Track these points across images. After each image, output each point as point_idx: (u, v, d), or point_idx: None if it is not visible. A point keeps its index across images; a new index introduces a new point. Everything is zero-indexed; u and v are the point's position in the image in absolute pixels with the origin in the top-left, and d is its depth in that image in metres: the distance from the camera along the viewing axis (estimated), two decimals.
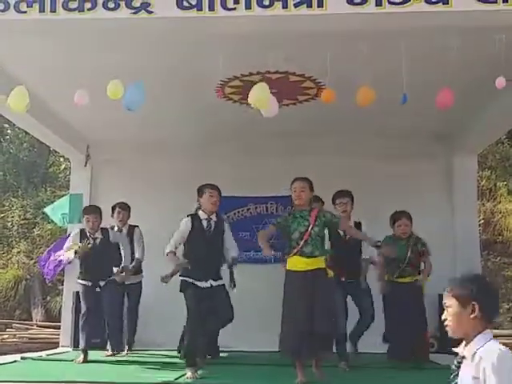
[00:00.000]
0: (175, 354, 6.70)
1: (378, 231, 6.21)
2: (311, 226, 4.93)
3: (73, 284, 8.71)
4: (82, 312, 6.61)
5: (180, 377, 4.89)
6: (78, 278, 6.74)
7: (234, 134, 8.30)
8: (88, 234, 6.68)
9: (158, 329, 7.67)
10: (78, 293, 8.33)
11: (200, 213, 5.39)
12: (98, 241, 6.70)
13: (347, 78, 5.39)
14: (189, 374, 5.07)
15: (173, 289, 7.14)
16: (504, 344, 8.59)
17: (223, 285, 5.34)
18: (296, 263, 4.93)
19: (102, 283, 6.63)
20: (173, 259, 5.36)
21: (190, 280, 5.24)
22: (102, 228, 6.82)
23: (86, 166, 9.05)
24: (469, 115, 7.34)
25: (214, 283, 5.25)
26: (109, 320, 6.73)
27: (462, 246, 8.02)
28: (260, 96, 5.28)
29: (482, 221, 12.72)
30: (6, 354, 8.90)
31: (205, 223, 5.33)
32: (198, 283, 5.22)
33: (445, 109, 5.47)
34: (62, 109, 7.52)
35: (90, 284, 6.62)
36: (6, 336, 12.90)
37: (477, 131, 7.85)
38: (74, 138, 8.62)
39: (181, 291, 5.35)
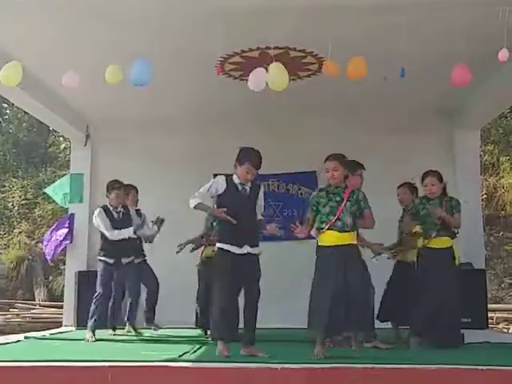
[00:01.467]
0: (184, 332, 6.76)
1: (380, 203, 6.12)
2: (344, 202, 4.89)
3: (75, 263, 8.76)
4: (100, 291, 6.46)
5: (184, 354, 4.88)
6: (100, 255, 6.54)
7: (235, 112, 8.24)
8: (111, 209, 6.57)
9: (168, 307, 7.66)
10: (80, 272, 8.39)
11: (234, 177, 5.16)
12: (121, 215, 6.61)
13: (348, 53, 5.31)
14: (220, 347, 4.84)
15: (178, 266, 7.24)
16: (506, 319, 8.54)
17: (256, 255, 5.07)
18: (328, 238, 4.88)
19: (124, 261, 6.54)
20: (205, 207, 5.10)
21: (226, 247, 4.96)
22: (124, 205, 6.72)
23: (85, 145, 9.02)
24: (471, 90, 7.24)
25: (250, 250, 4.99)
26: (133, 299, 6.70)
27: (464, 221, 7.97)
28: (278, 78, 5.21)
29: (485, 195, 12.69)
30: (9, 333, 8.96)
31: (239, 186, 5.11)
32: (234, 249, 4.95)
33: (462, 85, 5.37)
34: (60, 88, 7.40)
35: (112, 262, 6.47)
36: (10, 316, 12.97)
37: (480, 106, 7.80)
38: (73, 117, 8.57)
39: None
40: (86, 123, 8.96)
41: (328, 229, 4.87)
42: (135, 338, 6.65)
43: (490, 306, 8.76)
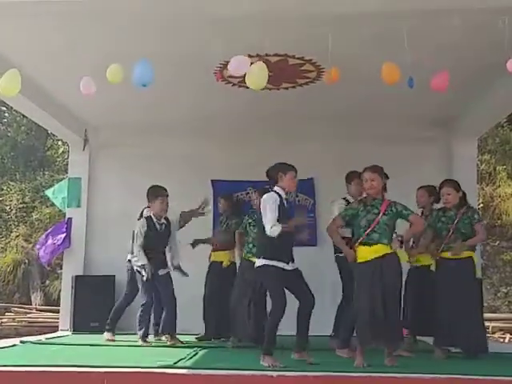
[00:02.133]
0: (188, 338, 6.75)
1: None
2: (381, 215, 4.93)
3: (72, 268, 8.75)
4: (147, 299, 6.48)
5: (179, 361, 4.88)
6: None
7: (234, 118, 8.26)
8: (155, 219, 6.56)
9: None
10: (77, 277, 8.38)
11: (278, 189, 5.12)
12: (163, 226, 6.64)
13: (346, 61, 5.33)
14: (270, 362, 4.66)
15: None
16: (501, 328, 8.56)
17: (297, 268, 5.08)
18: (363, 254, 4.94)
19: (161, 272, 6.50)
20: (284, 227, 4.91)
21: (273, 263, 4.90)
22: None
23: (84, 149, 9.00)
24: (469, 99, 7.30)
25: (291, 267, 5.01)
26: (169, 307, 6.56)
27: None
28: (257, 77, 5.20)
29: (481, 205, 12.71)
30: (5, 337, 8.94)
31: (285, 202, 5.10)
32: (283, 265, 4.94)
33: (440, 91, 5.39)
34: (59, 92, 7.46)
35: (152, 271, 6.42)
36: (6, 320, 12.95)
37: (477, 115, 7.82)
38: (71, 121, 8.56)
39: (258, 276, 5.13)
40: (84, 127, 8.95)
41: (361, 243, 4.95)
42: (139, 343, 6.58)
43: (485, 315, 8.75)
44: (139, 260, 6.39)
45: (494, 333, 10.97)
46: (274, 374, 4.16)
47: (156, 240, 6.54)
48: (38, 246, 9.16)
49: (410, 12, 5.15)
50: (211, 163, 8.73)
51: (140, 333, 6.46)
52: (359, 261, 4.98)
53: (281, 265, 4.91)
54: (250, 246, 6.53)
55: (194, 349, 5.89)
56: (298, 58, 6.43)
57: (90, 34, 5.64)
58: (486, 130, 10.10)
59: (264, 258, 4.95)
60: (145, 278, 6.36)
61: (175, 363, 4.71)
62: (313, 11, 5.19)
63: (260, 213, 6.31)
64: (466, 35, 5.51)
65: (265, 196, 5.09)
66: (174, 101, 7.69)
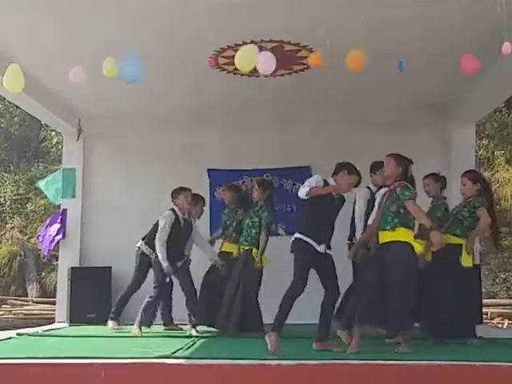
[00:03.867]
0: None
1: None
2: (383, 202, 5.11)
3: (68, 259, 8.71)
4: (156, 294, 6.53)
5: (177, 351, 4.85)
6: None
7: (229, 106, 8.21)
8: (181, 214, 6.60)
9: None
10: (73, 268, 8.34)
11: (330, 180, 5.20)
12: (186, 222, 6.67)
13: (343, 47, 5.26)
14: (273, 343, 4.68)
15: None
16: (500, 314, 8.56)
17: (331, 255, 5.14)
18: (377, 238, 5.14)
19: (178, 264, 6.55)
20: (320, 189, 5.05)
21: (308, 240, 5.00)
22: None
23: (78, 140, 8.94)
24: (466, 84, 7.24)
25: (325, 250, 5.06)
26: (191, 297, 6.57)
27: None
28: (246, 59, 5.14)
29: None
30: (1, 330, 8.90)
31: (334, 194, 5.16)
32: (315, 245, 5.01)
33: (472, 73, 5.32)
34: (52, 82, 7.39)
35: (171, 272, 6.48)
36: (2, 312, 12.94)
37: (474, 100, 7.77)
38: (65, 112, 8.49)
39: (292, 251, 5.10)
40: (78, 118, 8.88)
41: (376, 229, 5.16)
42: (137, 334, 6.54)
43: (484, 301, 8.77)
44: (161, 259, 6.40)
45: (492, 318, 11.00)
46: (273, 362, 4.13)
47: (178, 235, 6.55)
48: (40, 239, 9.11)
49: None
50: (207, 152, 8.69)
51: (137, 321, 6.46)
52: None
53: (313, 243, 4.97)
54: (245, 235, 6.57)
55: (192, 338, 5.87)
56: (293, 45, 6.36)
57: (84, 23, 5.59)
58: (483, 115, 10.08)
59: (299, 232, 5.05)
60: (167, 279, 6.55)
61: (173, 353, 4.68)
62: None
63: (257, 203, 6.34)
64: (463, 20, 5.46)
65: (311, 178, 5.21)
66: (170, 90, 7.63)
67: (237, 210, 7.10)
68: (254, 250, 6.45)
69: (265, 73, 5.31)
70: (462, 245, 5.51)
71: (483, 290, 8.96)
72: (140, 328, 6.45)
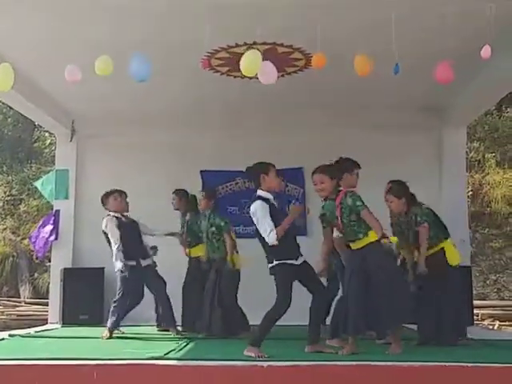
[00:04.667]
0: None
1: (368, 203, 6.17)
2: (339, 218, 4.98)
3: (60, 260, 8.69)
4: (122, 292, 6.45)
5: (169, 352, 4.86)
6: (122, 259, 6.44)
7: (222, 108, 8.22)
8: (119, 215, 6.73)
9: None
10: (66, 269, 8.34)
11: (263, 193, 5.03)
12: (128, 221, 6.74)
13: (336, 49, 5.30)
14: (255, 352, 4.68)
15: (171, 266, 7.21)
16: (491, 315, 8.61)
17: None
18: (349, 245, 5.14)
19: (144, 263, 6.59)
20: (283, 227, 4.88)
21: (286, 261, 4.93)
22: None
23: (71, 140, 8.93)
24: (458, 86, 7.26)
25: (301, 260, 5.03)
26: (160, 298, 6.66)
27: (450, 218, 7.99)
28: (251, 63, 5.18)
29: (471, 192, 12.76)
30: None
31: (275, 202, 5.06)
32: (294, 262, 4.98)
33: (446, 83, 5.37)
34: (45, 83, 7.38)
35: (134, 264, 6.51)
36: None
37: (466, 102, 7.82)
38: (58, 112, 8.49)
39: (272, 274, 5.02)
40: (71, 118, 8.88)
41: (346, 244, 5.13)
42: (127, 335, 6.55)
43: (475, 302, 8.81)
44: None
45: (483, 320, 11.04)
46: (265, 364, 4.15)
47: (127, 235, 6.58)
48: (32, 240, 9.09)
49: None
50: (200, 153, 8.69)
51: (108, 323, 6.44)
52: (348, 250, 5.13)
53: (291, 261, 4.93)
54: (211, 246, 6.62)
55: (184, 340, 5.87)
56: (286, 47, 6.38)
57: (76, 23, 5.57)
58: (475, 118, 10.14)
59: (275, 259, 4.93)
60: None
61: (165, 354, 4.69)
62: None
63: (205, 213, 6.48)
64: (454, 22, 5.49)
65: (252, 208, 4.98)
66: (163, 90, 7.63)
67: (185, 214, 7.20)
68: (225, 256, 6.48)
69: (267, 83, 5.31)
70: (443, 248, 5.54)
71: (474, 291, 9.00)
72: (111, 330, 6.40)
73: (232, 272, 6.45)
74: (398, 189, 5.65)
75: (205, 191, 6.92)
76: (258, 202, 4.93)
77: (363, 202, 5.00)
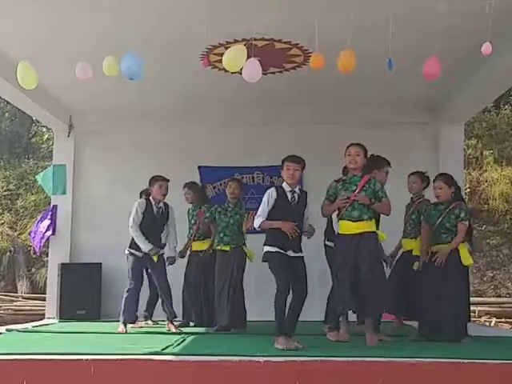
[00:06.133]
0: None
1: None
2: (357, 191, 5.13)
3: (58, 255, 8.70)
4: (131, 284, 6.55)
5: (167, 347, 4.86)
6: (131, 248, 6.59)
7: (220, 104, 8.22)
8: (153, 203, 6.63)
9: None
10: (63, 264, 8.34)
11: (284, 184, 5.24)
12: (160, 211, 6.67)
13: (333, 45, 5.29)
14: (281, 341, 4.85)
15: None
16: (488, 312, 8.69)
17: (302, 257, 5.18)
18: (344, 227, 5.19)
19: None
20: (270, 224, 5.09)
21: (275, 249, 5.07)
22: (164, 202, 6.75)
23: (68, 136, 8.94)
24: (456, 83, 7.29)
25: (294, 254, 5.11)
26: (164, 291, 6.63)
27: None
28: (234, 59, 5.21)
29: (468, 189, 12.76)
30: None
31: (289, 195, 5.17)
32: (283, 252, 5.08)
33: (432, 79, 5.40)
34: (43, 78, 7.32)
35: (141, 255, 6.55)
36: None
37: (464, 99, 7.82)
38: (56, 107, 8.49)
39: (264, 261, 5.16)
40: (69, 114, 8.87)
41: (342, 218, 5.17)
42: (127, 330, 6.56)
43: (472, 299, 8.82)
44: (142, 243, 6.44)
45: (480, 316, 11.06)
46: (262, 359, 4.15)
47: (151, 223, 6.56)
48: (32, 235, 9.10)
49: None
50: (198, 149, 8.69)
51: (122, 318, 6.50)
52: (340, 232, 5.22)
53: (280, 251, 5.04)
54: (221, 235, 6.61)
55: (182, 335, 5.88)
56: (284, 43, 6.38)
57: (75, 19, 5.56)
58: (472, 115, 10.14)
59: (266, 245, 5.13)
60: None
61: (163, 349, 4.69)
62: None
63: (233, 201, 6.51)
64: (452, 20, 5.49)
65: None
66: (160, 86, 7.63)
67: (200, 207, 7.16)
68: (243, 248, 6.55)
69: (250, 80, 5.33)
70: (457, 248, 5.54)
71: (471, 288, 9.02)
72: (125, 325, 6.48)
73: (243, 266, 6.53)
74: (450, 177, 5.73)
75: (236, 180, 6.93)
76: (271, 189, 5.23)
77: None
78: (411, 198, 6.36)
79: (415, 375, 4.07)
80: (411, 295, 5.84)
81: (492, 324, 10.76)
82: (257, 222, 5.11)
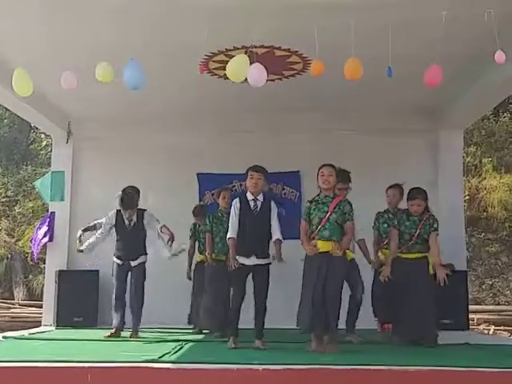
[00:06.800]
0: (168, 331, 6.94)
1: (366, 206, 6.25)
2: (329, 213, 5.25)
3: (55, 262, 8.66)
4: (114, 291, 6.68)
5: (164, 355, 4.84)
6: (114, 256, 6.78)
7: (219, 110, 8.22)
8: (123, 214, 6.72)
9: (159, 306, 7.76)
10: (60, 271, 8.32)
11: (248, 194, 5.58)
12: (132, 223, 6.76)
13: (333, 53, 5.30)
14: (230, 342, 5.36)
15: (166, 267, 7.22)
16: (486, 320, 8.79)
17: (267, 264, 5.45)
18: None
19: (133, 263, 6.68)
20: (231, 246, 5.51)
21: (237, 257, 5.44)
22: (137, 210, 6.80)
23: (67, 142, 8.93)
24: (456, 90, 7.30)
25: (258, 261, 5.40)
26: (136, 300, 6.69)
27: (447, 222, 7.99)
28: (237, 69, 5.24)
29: (467, 197, 12.77)
30: None
31: (252, 203, 5.51)
32: (243, 261, 5.40)
33: (433, 86, 5.40)
34: (41, 84, 7.34)
35: (121, 263, 6.69)
36: None
37: (463, 106, 7.83)
38: (54, 114, 8.48)
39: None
40: (67, 120, 8.86)
41: (314, 238, 5.29)
42: (121, 338, 6.55)
43: (471, 307, 8.81)
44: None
45: (478, 324, 11.04)
46: (260, 367, 4.13)
47: (124, 233, 6.72)
48: (32, 242, 9.09)
49: (397, 3, 5.13)
50: (197, 156, 8.68)
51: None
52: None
53: (240, 259, 5.40)
54: (220, 245, 6.68)
55: (180, 343, 5.85)
56: (284, 50, 6.39)
57: (74, 26, 5.56)
58: (472, 122, 10.16)
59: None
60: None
61: (160, 357, 4.66)
62: (299, 2, 5.16)
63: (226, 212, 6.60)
64: (452, 27, 5.49)
65: None
66: (159, 93, 7.62)
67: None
68: None
69: (255, 85, 5.37)
70: (426, 256, 5.86)
71: (470, 296, 9.00)
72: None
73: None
74: (425, 192, 5.98)
75: (229, 190, 7.20)
76: (233, 201, 5.62)
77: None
78: (388, 210, 6.50)
79: (414, 383, 4.05)
80: (391, 303, 6.05)
81: (491, 332, 10.74)
82: (228, 235, 5.52)
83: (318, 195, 5.42)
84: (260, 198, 5.52)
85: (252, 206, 5.48)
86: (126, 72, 5.25)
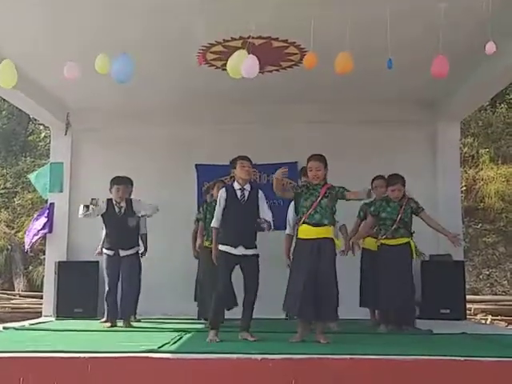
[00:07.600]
0: (168, 322, 6.99)
1: None
2: (320, 197, 5.22)
3: (55, 253, 8.69)
4: (106, 282, 6.76)
5: (164, 345, 4.87)
6: (103, 247, 6.89)
7: (218, 102, 8.21)
8: (114, 203, 6.77)
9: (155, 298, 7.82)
10: (60, 262, 8.34)
11: (234, 183, 5.53)
12: (122, 210, 6.78)
13: (331, 44, 5.30)
14: (211, 336, 5.29)
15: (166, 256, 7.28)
16: (483, 310, 8.92)
17: (255, 255, 5.42)
18: (305, 231, 5.24)
19: (122, 253, 6.71)
20: (213, 235, 5.58)
21: (223, 248, 5.40)
22: (126, 198, 6.87)
23: (66, 134, 8.93)
24: (453, 81, 7.28)
25: (245, 251, 5.35)
26: (128, 290, 6.75)
27: (444, 213, 8.07)
28: (237, 64, 5.26)
29: (464, 188, 12.79)
30: None
31: (239, 193, 5.47)
32: (230, 250, 5.36)
33: (440, 77, 5.40)
34: (40, 76, 7.37)
35: (112, 254, 6.72)
36: None
37: (461, 97, 7.84)
38: (53, 105, 8.47)
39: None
40: (66, 112, 8.86)
41: (304, 222, 5.23)
42: (122, 328, 6.60)
43: (468, 297, 8.85)
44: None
45: (475, 314, 11.08)
46: (259, 357, 4.16)
47: (115, 222, 6.77)
48: (27, 233, 9.11)
49: None
50: (195, 147, 8.70)
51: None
52: (300, 237, 5.30)
53: (227, 249, 5.35)
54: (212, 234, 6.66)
55: (179, 333, 5.88)
56: (281, 41, 6.39)
57: (72, 17, 5.55)
58: (469, 113, 10.16)
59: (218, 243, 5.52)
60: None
61: (160, 347, 4.69)
62: None
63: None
64: (451, 18, 5.50)
65: None
66: (158, 84, 7.63)
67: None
68: None
69: (248, 76, 5.38)
70: (409, 242, 6.13)
71: (467, 286, 9.05)
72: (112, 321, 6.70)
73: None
74: (403, 178, 6.25)
75: (222, 182, 7.14)
76: (222, 190, 5.57)
77: None
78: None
79: (412, 372, 4.08)
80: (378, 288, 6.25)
81: (488, 322, 10.79)
82: (212, 224, 5.56)
83: (309, 183, 5.40)
84: (247, 187, 5.48)
85: (239, 196, 5.44)
86: (114, 65, 5.26)
